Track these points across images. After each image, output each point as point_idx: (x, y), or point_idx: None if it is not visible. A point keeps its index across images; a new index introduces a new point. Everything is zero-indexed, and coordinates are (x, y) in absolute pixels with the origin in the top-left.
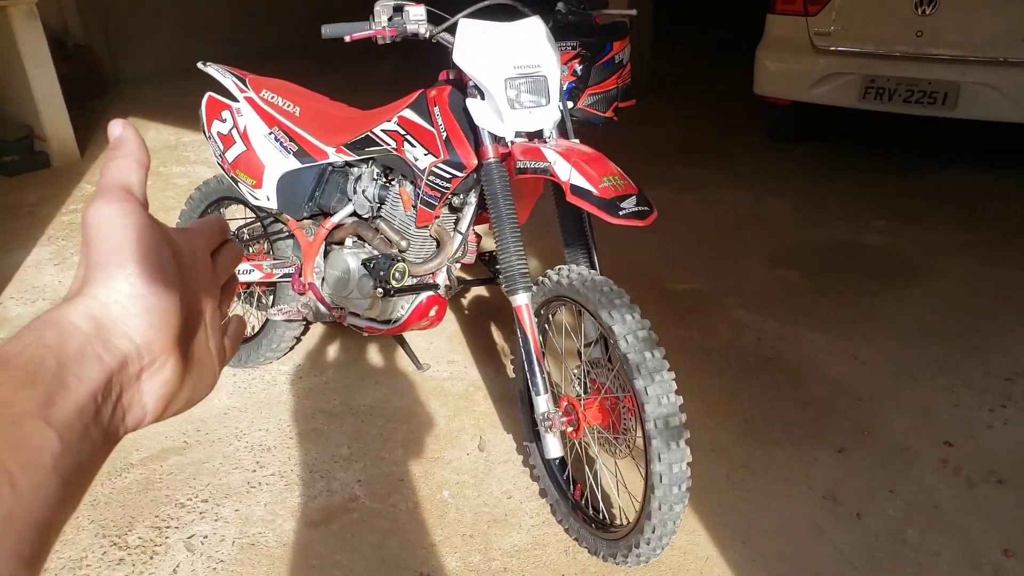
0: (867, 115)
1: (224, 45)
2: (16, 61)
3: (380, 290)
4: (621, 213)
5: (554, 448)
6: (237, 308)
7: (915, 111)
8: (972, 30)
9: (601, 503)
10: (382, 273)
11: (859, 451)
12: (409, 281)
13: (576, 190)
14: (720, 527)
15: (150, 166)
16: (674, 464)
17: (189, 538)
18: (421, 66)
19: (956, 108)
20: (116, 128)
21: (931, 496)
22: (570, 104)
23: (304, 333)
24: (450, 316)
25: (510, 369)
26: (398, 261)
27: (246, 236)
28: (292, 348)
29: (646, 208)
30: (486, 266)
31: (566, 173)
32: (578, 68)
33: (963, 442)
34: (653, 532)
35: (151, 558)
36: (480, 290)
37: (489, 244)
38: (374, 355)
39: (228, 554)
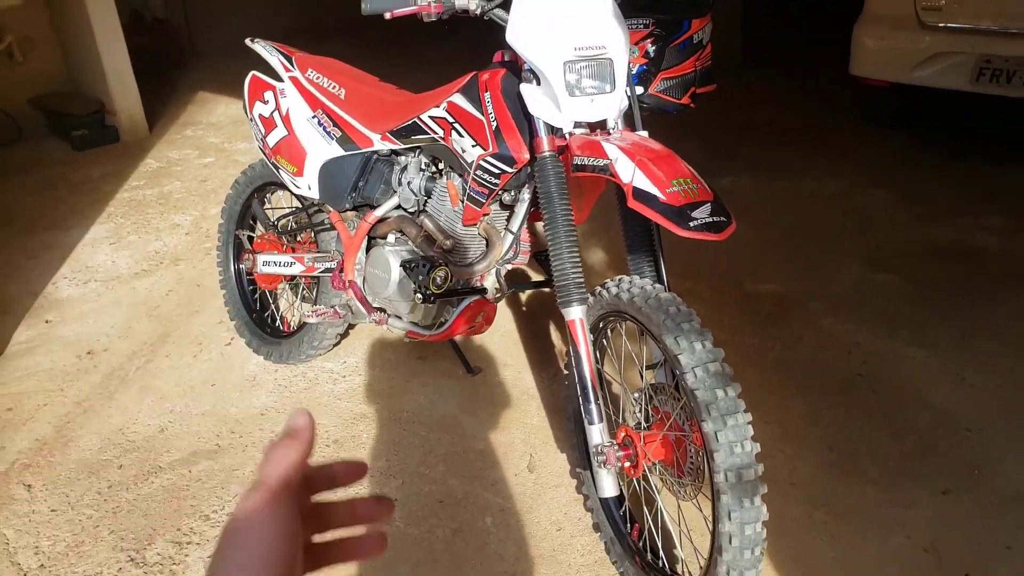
0: (978, 99)
1: (298, 18)
2: (88, 35)
3: (419, 296)
4: (692, 224)
5: (608, 487)
6: (283, 300)
7: None
8: None
9: (661, 548)
10: (421, 278)
11: (967, 495)
12: (453, 285)
13: (639, 194)
14: None
15: (311, 446)
16: (747, 525)
17: (210, 557)
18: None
19: None
20: (298, 419)
21: None
22: (640, 90)
23: (349, 329)
24: (505, 314)
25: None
26: (439, 265)
27: (292, 226)
28: (336, 344)
29: (723, 219)
30: (542, 266)
31: (628, 173)
32: (650, 49)
33: None
34: None
35: None
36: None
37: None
38: (423, 352)
39: None
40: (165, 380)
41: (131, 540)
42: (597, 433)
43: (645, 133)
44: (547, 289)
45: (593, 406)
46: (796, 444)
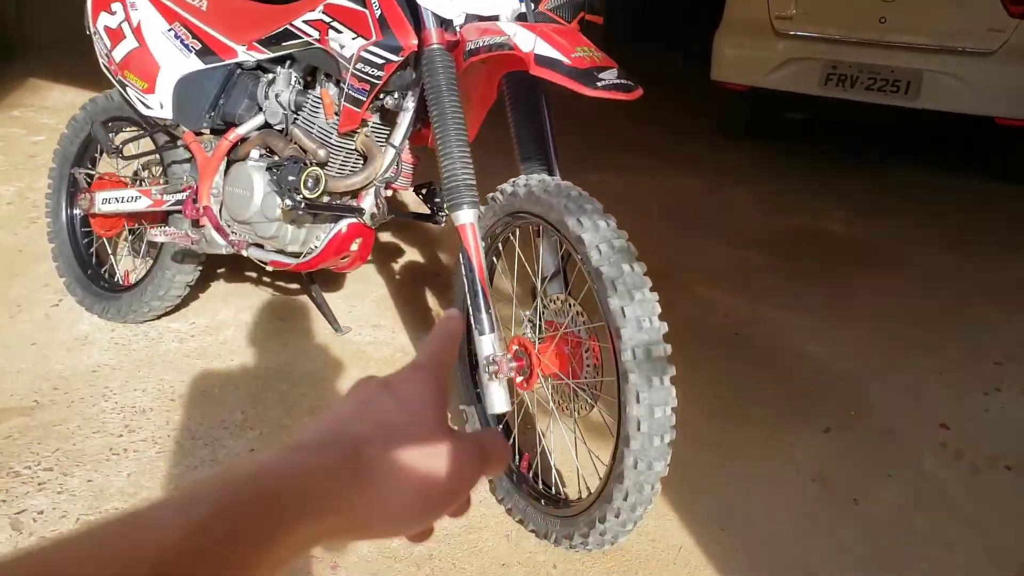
0: (824, 112)
1: None
2: None
3: (288, 203)
4: (600, 84)
5: (500, 401)
6: (124, 254)
7: (877, 99)
8: (936, 18)
9: (555, 475)
10: (291, 178)
11: (847, 432)
12: (327, 200)
13: (542, 60)
14: (694, 512)
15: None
16: (656, 407)
17: (17, 514)
18: None
19: (919, 98)
20: (453, 317)
21: (934, 482)
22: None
23: (197, 289)
24: (377, 280)
25: None
26: (311, 165)
27: (140, 167)
28: (181, 298)
29: (630, 83)
30: (423, 200)
31: (529, 43)
32: None
33: (961, 426)
34: (625, 500)
35: None
36: (413, 254)
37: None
38: (284, 314)
39: None
40: None
41: None
42: (489, 343)
43: None
44: (430, 222)
45: (484, 315)
46: (680, 392)
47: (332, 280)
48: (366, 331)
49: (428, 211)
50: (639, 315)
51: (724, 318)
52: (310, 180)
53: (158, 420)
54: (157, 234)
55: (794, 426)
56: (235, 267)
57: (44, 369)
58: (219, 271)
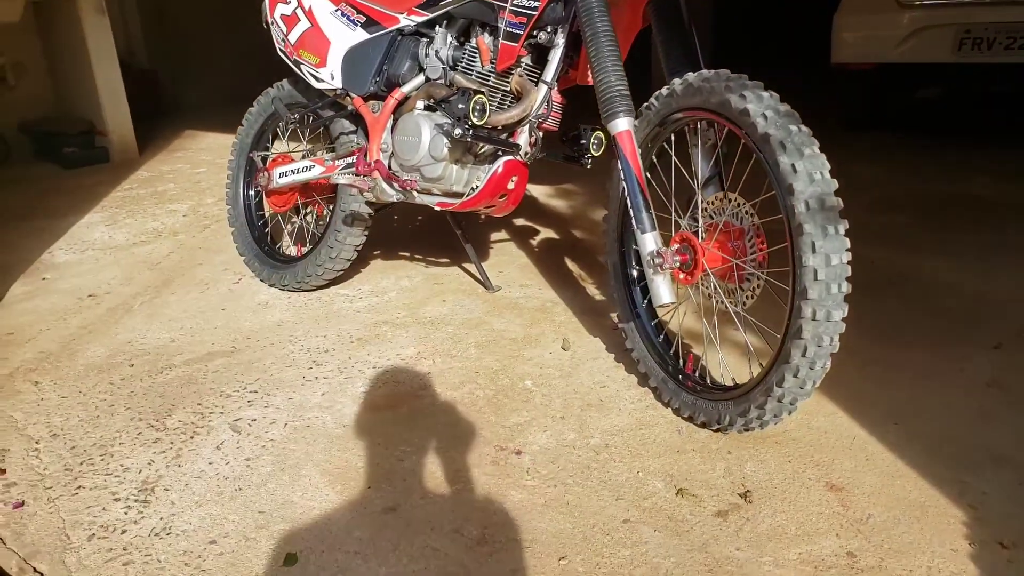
0: (956, 86)
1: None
2: (82, 54)
3: (458, 131)
4: None
5: (665, 292)
6: (294, 232)
7: (1018, 58)
8: None
9: (722, 365)
10: (460, 106)
11: (1021, 348)
12: (488, 131)
13: None
14: (864, 410)
15: None
16: (832, 255)
17: (235, 421)
18: None
19: None
20: None
21: None
22: None
23: (363, 259)
24: (519, 252)
25: (590, 288)
26: (477, 94)
27: (309, 149)
28: (350, 262)
29: None
30: (567, 144)
31: None
32: None
33: None
34: (804, 355)
35: (191, 438)
36: (549, 231)
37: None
38: (440, 280)
39: (279, 434)
40: (172, 309)
41: (149, 413)
42: (651, 240)
43: None
44: (575, 163)
45: (645, 215)
46: None
47: (478, 250)
48: (515, 289)
49: (573, 155)
50: (810, 169)
51: (872, 266)
52: (477, 107)
53: (341, 356)
54: (339, 176)
55: (960, 345)
56: (391, 247)
57: (236, 325)
58: (375, 253)
